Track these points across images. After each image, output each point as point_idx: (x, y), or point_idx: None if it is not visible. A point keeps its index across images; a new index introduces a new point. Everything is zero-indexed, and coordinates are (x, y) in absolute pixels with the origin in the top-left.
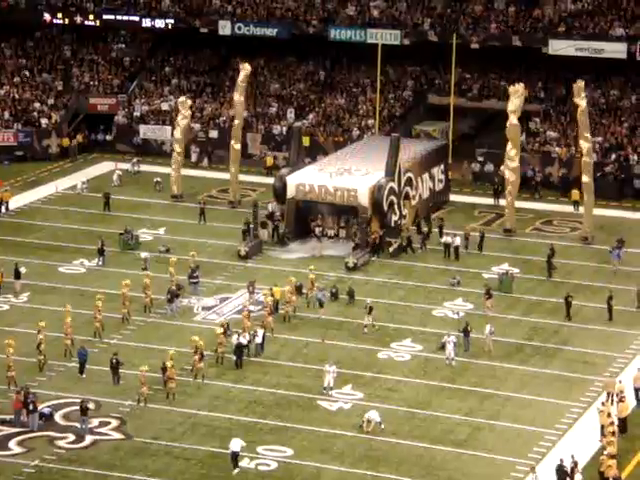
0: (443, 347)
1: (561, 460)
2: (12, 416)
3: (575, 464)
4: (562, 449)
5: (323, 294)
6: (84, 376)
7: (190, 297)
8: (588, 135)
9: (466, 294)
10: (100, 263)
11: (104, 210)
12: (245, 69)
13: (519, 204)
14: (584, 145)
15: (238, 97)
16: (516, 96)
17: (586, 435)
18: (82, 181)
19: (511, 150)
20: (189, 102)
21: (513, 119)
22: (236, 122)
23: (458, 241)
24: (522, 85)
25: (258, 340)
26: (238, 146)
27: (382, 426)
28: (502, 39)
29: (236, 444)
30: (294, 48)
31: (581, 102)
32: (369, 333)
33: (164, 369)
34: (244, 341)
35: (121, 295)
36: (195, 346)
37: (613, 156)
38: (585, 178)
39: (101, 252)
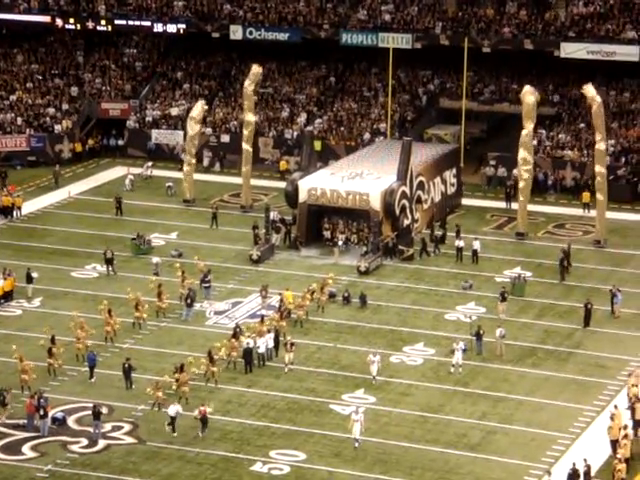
0: (453, 352)
1: (573, 464)
2: (25, 420)
3: (588, 468)
4: (575, 453)
5: (336, 289)
6: (94, 380)
7: (202, 301)
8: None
9: (479, 298)
10: (112, 272)
11: (116, 215)
12: (255, 71)
13: (531, 207)
14: (599, 145)
15: (249, 101)
16: (528, 99)
17: (599, 439)
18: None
19: (523, 154)
20: (200, 107)
21: (528, 127)
22: (247, 125)
23: (477, 245)
24: (530, 87)
25: (270, 344)
26: (249, 148)
27: (357, 444)
28: (514, 42)
29: (173, 410)
30: (305, 52)
31: (595, 100)
32: (289, 372)
33: (178, 370)
34: (253, 345)
35: (133, 300)
36: (208, 350)
37: (624, 159)
38: (598, 180)
39: (109, 262)
